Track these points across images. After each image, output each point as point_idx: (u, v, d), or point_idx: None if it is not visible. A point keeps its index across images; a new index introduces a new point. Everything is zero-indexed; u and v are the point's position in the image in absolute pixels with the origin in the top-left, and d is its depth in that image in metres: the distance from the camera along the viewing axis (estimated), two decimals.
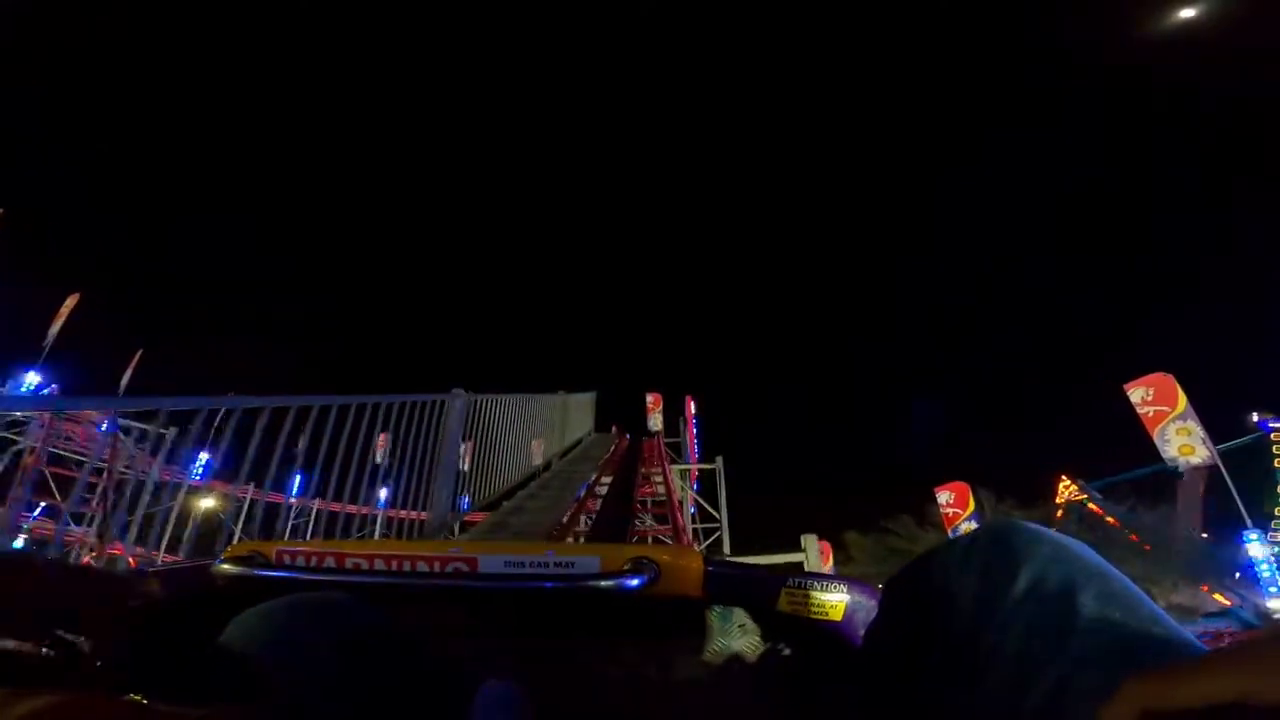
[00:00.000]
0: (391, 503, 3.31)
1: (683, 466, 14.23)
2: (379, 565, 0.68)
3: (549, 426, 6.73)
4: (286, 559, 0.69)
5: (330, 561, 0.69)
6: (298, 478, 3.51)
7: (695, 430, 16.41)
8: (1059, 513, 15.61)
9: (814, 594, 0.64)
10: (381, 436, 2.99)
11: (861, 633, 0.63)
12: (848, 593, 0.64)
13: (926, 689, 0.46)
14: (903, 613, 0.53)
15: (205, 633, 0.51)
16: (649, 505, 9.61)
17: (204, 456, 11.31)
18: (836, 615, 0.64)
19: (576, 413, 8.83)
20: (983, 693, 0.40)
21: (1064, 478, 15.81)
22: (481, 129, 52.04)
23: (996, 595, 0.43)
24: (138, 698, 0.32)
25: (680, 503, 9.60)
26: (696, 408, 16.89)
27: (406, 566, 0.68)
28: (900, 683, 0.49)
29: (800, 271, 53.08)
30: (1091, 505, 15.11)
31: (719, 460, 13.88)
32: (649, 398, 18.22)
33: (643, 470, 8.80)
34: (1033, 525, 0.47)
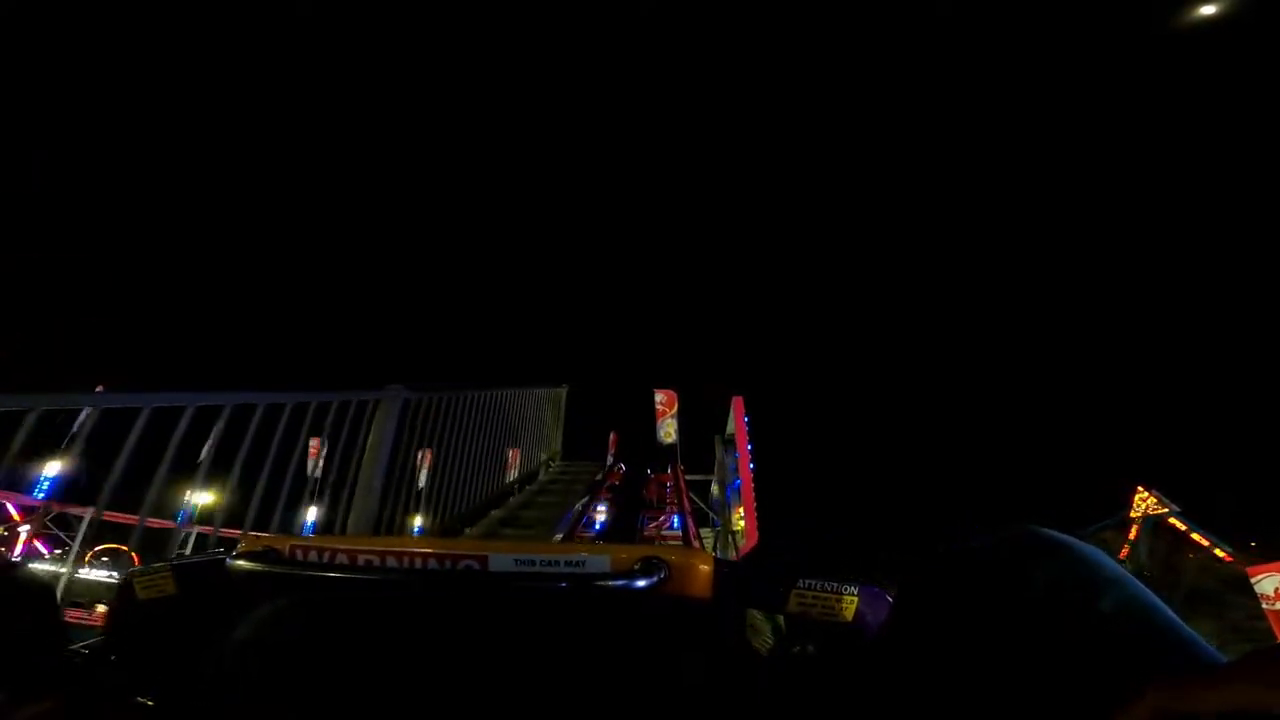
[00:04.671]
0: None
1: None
2: (391, 562, 0.68)
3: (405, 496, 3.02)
4: (300, 555, 0.70)
5: (343, 558, 0.69)
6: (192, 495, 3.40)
7: (750, 463, 9.63)
8: (1134, 528, 13.29)
9: (824, 595, 0.65)
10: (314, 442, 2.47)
11: (873, 634, 0.62)
12: (859, 594, 0.64)
13: (942, 691, 0.46)
14: (919, 615, 0.53)
15: (218, 631, 0.55)
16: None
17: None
18: (847, 616, 0.64)
19: (521, 429, 5.26)
20: (998, 696, 0.40)
21: (1140, 489, 13.38)
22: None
23: (1014, 599, 0.43)
24: (145, 700, 0.31)
25: (692, 513, 7.44)
26: (749, 419, 10.04)
27: (418, 563, 0.68)
28: (915, 684, 0.49)
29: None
30: (1173, 520, 12.98)
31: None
32: (659, 396, 10.86)
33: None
34: (1051, 532, 0.47)
